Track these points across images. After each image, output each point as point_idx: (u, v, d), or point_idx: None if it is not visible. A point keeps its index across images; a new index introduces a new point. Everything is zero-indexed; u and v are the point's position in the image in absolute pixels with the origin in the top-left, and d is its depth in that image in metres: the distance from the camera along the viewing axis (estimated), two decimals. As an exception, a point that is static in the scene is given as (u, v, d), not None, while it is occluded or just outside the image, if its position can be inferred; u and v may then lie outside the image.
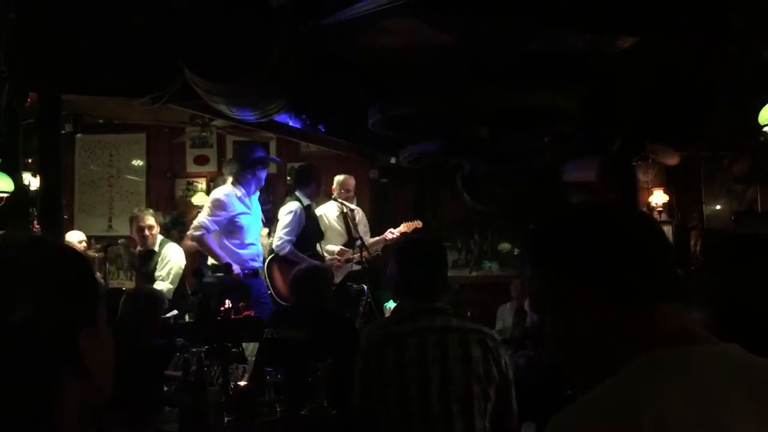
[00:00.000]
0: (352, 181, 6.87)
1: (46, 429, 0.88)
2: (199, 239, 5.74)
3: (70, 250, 1.00)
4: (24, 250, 0.91)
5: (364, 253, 6.29)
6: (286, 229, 6.08)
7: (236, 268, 5.15)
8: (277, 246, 6.09)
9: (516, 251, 8.34)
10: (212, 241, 5.73)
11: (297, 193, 6.41)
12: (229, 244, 5.83)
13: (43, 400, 0.88)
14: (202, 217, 5.76)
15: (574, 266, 1.16)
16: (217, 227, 5.75)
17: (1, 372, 0.84)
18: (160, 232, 6.16)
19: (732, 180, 7.24)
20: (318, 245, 6.45)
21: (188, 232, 5.93)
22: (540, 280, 1.22)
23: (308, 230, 6.32)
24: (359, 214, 6.97)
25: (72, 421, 0.92)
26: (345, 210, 6.64)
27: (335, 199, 6.70)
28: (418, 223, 6.89)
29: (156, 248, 5.97)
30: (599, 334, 1.12)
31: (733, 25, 3.87)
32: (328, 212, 6.74)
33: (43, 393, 0.88)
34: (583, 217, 1.23)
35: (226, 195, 5.83)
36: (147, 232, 6.01)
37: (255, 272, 5.94)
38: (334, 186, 6.79)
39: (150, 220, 6.04)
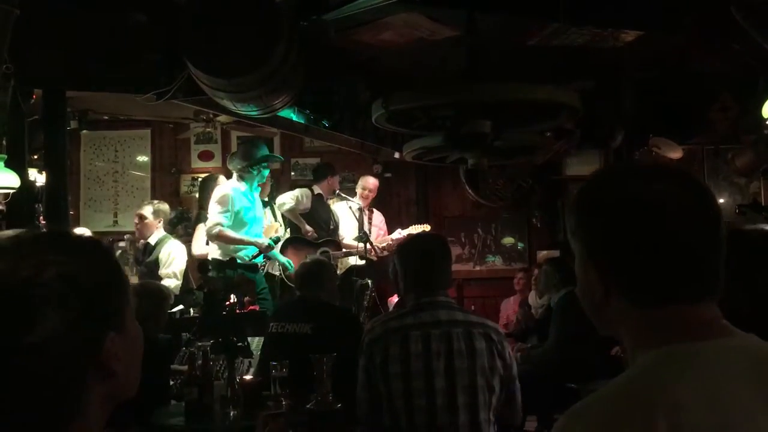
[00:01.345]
0: (372, 181, 7.05)
1: (73, 428, 0.89)
2: (218, 235, 5.80)
3: (94, 247, 0.98)
4: (41, 258, 0.89)
5: (371, 253, 6.37)
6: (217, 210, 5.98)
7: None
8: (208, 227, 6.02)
9: (519, 245, 8.35)
10: (230, 231, 5.81)
11: (314, 187, 6.71)
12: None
13: (68, 404, 0.88)
14: (213, 215, 5.82)
15: (588, 245, 1.10)
16: (229, 222, 5.80)
17: (24, 383, 0.84)
18: (165, 228, 6.19)
19: (735, 173, 7.24)
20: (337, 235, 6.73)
21: (206, 233, 5.96)
22: (572, 237, 1.13)
23: (317, 218, 6.57)
24: (377, 217, 7.18)
25: (96, 417, 0.93)
26: (360, 208, 6.74)
27: (339, 195, 6.80)
28: (426, 226, 6.96)
29: (152, 242, 5.98)
30: (608, 317, 1.09)
31: (734, 19, 3.87)
32: (343, 208, 6.87)
33: (68, 398, 0.88)
34: (610, 190, 1.09)
35: (233, 189, 5.89)
36: (137, 222, 6.06)
37: (256, 266, 6.00)
38: (358, 186, 7.05)
39: (143, 210, 6.09)
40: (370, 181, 7.07)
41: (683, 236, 1.02)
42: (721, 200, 7.75)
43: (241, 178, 5.97)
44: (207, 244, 6.22)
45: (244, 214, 5.90)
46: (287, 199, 6.52)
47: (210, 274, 5.07)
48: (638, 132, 6.41)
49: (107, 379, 0.92)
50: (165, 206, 6.18)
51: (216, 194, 5.93)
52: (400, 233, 6.81)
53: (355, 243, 6.70)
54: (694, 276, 1.03)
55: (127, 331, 0.96)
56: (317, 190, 6.67)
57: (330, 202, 6.84)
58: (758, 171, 6.70)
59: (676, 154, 6.81)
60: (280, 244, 6.26)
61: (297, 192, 6.60)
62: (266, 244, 5.90)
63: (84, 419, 0.90)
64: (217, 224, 5.77)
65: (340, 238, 6.74)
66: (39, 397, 0.85)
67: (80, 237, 0.99)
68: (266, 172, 6.12)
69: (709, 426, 0.92)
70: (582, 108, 4.76)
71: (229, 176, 6.28)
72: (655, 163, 0.98)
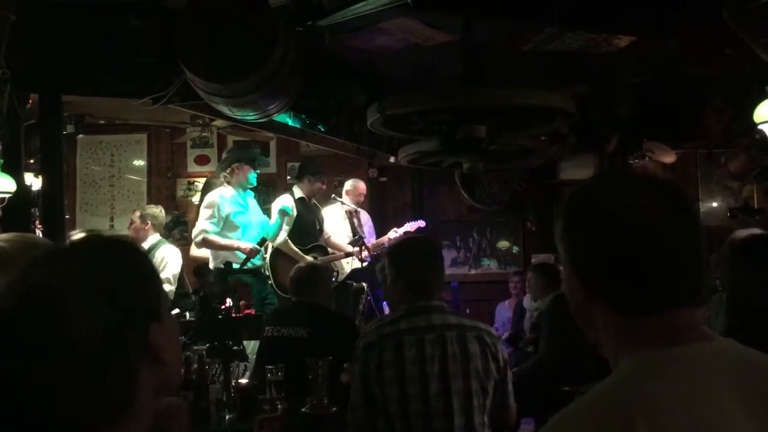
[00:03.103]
0: (362, 185, 7.03)
1: (127, 416, 0.94)
2: (202, 242, 5.83)
3: (129, 246, 1.05)
4: (85, 260, 0.96)
5: (365, 254, 6.36)
6: (204, 216, 6.00)
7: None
8: (194, 234, 6.06)
9: (514, 249, 8.38)
10: (216, 237, 5.83)
11: (294, 188, 6.60)
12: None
13: (122, 391, 0.93)
14: (199, 223, 5.88)
15: (572, 254, 1.12)
16: (216, 228, 5.82)
17: (80, 373, 0.89)
18: (161, 233, 6.20)
19: (728, 177, 7.28)
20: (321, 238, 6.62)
21: (193, 239, 5.99)
22: (558, 242, 1.16)
23: (303, 222, 6.45)
24: (364, 216, 7.15)
25: (149, 404, 0.98)
26: (349, 210, 6.73)
27: (335, 199, 6.80)
28: (421, 223, 6.97)
29: (146, 246, 5.97)
30: (592, 321, 1.11)
31: (727, 24, 3.90)
32: (333, 211, 6.83)
33: (121, 386, 0.93)
34: (596, 202, 1.11)
35: (219, 195, 5.94)
36: (129, 227, 6.10)
37: (257, 269, 6.01)
38: (346, 188, 6.99)
39: (133, 214, 6.12)
40: (362, 185, 7.05)
41: (664, 249, 1.05)
42: (714, 204, 7.80)
43: (227, 182, 6.01)
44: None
45: (234, 217, 5.93)
46: (281, 237, 6.35)
47: (210, 279, 5.09)
48: (632, 136, 6.45)
49: (155, 367, 0.97)
50: (155, 210, 6.17)
51: (204, 200, 6.00)
52: (395, 232, 6.81)
53: (343, 241, 6.69)
54: (675, 286, 1.06)
55: (166, 321, 1.02)
56: (298, 192, 6.53)
57: (319, 204, 6.79)
58: (751, 175, 6.73)
59: (669, 158, 6.85)
60: (269, 253, 6.23)
61: (284, 217, 6.32)
62: (250, 248, 5.81)
63: (139, 405, 0.95)
64: (202, 231, 5.83)
65: (325, 236, 6.69)
66: (94, 386, 0.90)
67: (112, 239, 1.06)
68: (252, 176, 6.10)
69: (689, 428, 0.93)
70: (576, 112, 4.79)
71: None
72: (641, 175, 1.00)
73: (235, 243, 5.89)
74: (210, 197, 5.99)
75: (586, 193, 1.15)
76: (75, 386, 0.88)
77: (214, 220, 5.83)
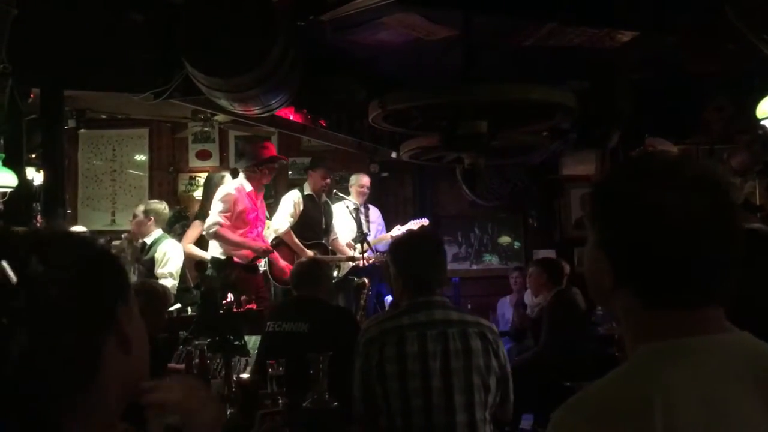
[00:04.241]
0: (363, 179, 7.03)
1: (90, 396, 0.95)
2: (216, 235, 5.79)
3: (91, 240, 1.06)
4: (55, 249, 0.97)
5: (368, 256, 6.36)
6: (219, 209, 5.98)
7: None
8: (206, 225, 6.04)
9: (516, 245, 8.38)
10: (229, 232, 5.81)
11: (305, 184, 6.64)
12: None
13: (88, 365, 0.94)
14: (214, 214, 5.82)
15: (607, 237, 1.10)
16: (228, 222, 5.80)
17: (47, 334, 0.90)
18: (163, 228, 6.19)
19: (730, 173, 7.26)
20: (326, 238, 6.65)
21: (205, 230, 5.95)
22: (588, 222, 1.14)
23: (308, 218, 6.50)
24: (374, 214, 7.20)
25: (114, 396, 0.99)
26: (355, 206, 6.73)
27: (336, 194, 6.80)
28: (424, 221, 6.97)
29: (148, 241, 5.97)
30: (613, 306, 1.11)
31: (729, 19, 3.89)
32: (338, 209, 6.86)
33: (87, 357, 0.94)
34: (642, 192, 1.07)
35: (237, 190, 5.89)
36: (132, 221, 6.09)
37: (255, 267, 6.01)
38: (350, 184, 7.01)
39: (136, 209, 6.11)
40: (366, 178, 7.06)
41: (706, 247, 1.04)
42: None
43: (248, 178, 5.96)
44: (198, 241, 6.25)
45: (247, 214, 5.91)
46: (282, 223, 6.45)
47: (207, 272, 5.08)
48: (634, 132, 6.44)
49: (122, 349, 0.99)
50: (159, 205, 6.16)
51: (219, 193, 5.92)
52: (399, 230, 6.81)
53: (348, 245, 6.70)
54: (711, 285, 1.05)
55: (132, 306, 1.04)
56: (307, 189, 6.60)
57: (331, 202, 6.82)
58: (753, 171, 6.73)
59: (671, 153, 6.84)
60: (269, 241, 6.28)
61: (290, 208, 6.46)
62: (263, 249, 5.89)
63: (103, 379, 0.96)
64: (216, 223, 5.77)
65: (333, 238, 6.72)
66: (59, 351, 0.91)
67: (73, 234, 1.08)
68: (272, 174, 6.12)
69: (703, 417, 0.94)
70: (578, 108, 4.79)
71: (234, 175, 6.28)
72: (687, 165, 0.97)
73: (248, 242, 5.87)
74: (226, 190, 5.91)
75: (632, 178, 1.11)
76: (42, 349, 0.89)
77: (229, 214, 5.81)
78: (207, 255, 5.91)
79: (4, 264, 0.90)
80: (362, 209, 6.92)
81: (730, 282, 1.06)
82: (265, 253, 5.95)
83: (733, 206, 1.08)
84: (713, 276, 1.05)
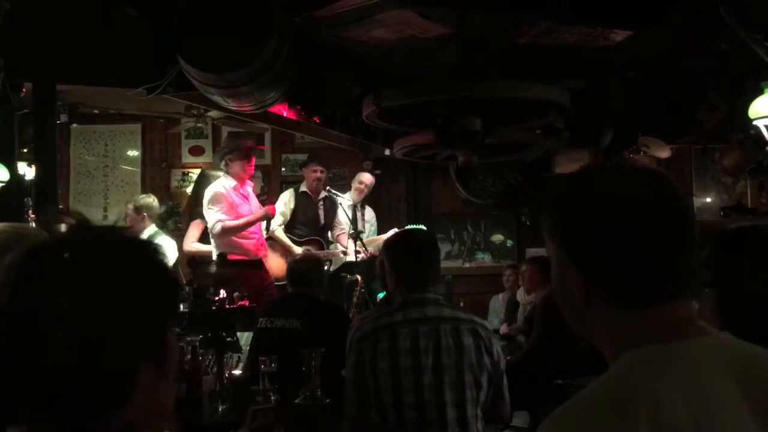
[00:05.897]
0: (363, 176, 7.05)
1: (119, 413, 0.95)
2: (223, 230, 5.77)
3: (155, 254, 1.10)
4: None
5: (361, 255, 6.37)
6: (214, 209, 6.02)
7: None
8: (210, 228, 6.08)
9: (508, 243, 8.39)
10: (232, 222, 5.80)
11: (303, 183, 6.73)
12: (234, 236, 5.90)
13: (125, 383, 0.95)
14: (211, 215, 5.81)
15: (570, 248, 1.10)
16: (227, 217, 5.80)
17: (98, 345, 0.92)
18: (156, 223, 6.18)
19: (723, 172, 7.29)
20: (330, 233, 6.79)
21: (210, 234, 5.94)
22: (549, 240, 1.14)
23: (301, 215, 6.57)
24: (369, 213, 7.22)
25: (138, 417, 0.98)
26: (353, 204, 6.76)
27: (329, 191, 6.79)
28: (421, 227, 6.96)
29: (143, 236, 5.93)
30: (587, 321, 1.10)
31: (723, 19, 3.90)
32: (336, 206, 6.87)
33: (126, 375, 0.95)
34: (596, 197, 1.09)
35: (224, 186, 5.88)
36: (125, 217, 6.11)
37: (259, 262, 6.00)
38: (354, 180, 7.06)
39: (126, 208, 6.12)
40: (367, 177, 7.06)
41: (662, 236, 1.05)
42: (708, 199, 7.82)
43: (228, 174, 5.97)
44: (200, 240, 6.25)
45: (239, 210, 5.91)
46: (273, 222, 6.52)
47: (212, 270, 5.10)
48: (627, 130, 6.45)
49: (158, 377, 1.00)
50: (149, 200, 6.14)
51: (208, 194, 5.89)
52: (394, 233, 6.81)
53: (344, 236, 6.72)
54: (673, 275, 1.06)
55: (174, 339, 1.07)
56: (303, 187, 6.67)
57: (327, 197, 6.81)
58: (745, 170, 6.76)
59: (664, 153, 6.86)
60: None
61: (281, 207, 6.55)
62: (263, 213, 5.98)
63: (132, 411, 0.97)
64: (218, 221, 5.76)
65: (338, 233, 6.76)
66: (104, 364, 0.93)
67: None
68: (247, 164, 6.08)
69: (690, 424, 0.93)
70: (572, 106, 4.79)
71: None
72: (629, 164, 1.00)
73: (251, 217, 5.90)
74: (213, 189, 5.88)
75: (578, 184, 1.14)
76: (86, 356, 0.91)
77: (223, 211, 5.81)
78: (214, 250, 5.90)
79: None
80: (358, 207, 6.93)
81: (692, 271, 1.08)
82: (266, 216, 6.05)
83: (678, 195, 1.09)
84: (678, 266, 1.06)
